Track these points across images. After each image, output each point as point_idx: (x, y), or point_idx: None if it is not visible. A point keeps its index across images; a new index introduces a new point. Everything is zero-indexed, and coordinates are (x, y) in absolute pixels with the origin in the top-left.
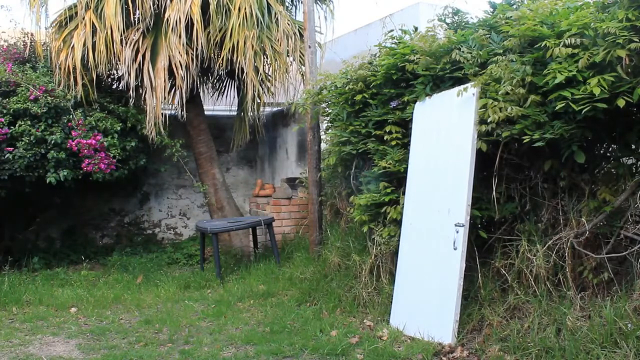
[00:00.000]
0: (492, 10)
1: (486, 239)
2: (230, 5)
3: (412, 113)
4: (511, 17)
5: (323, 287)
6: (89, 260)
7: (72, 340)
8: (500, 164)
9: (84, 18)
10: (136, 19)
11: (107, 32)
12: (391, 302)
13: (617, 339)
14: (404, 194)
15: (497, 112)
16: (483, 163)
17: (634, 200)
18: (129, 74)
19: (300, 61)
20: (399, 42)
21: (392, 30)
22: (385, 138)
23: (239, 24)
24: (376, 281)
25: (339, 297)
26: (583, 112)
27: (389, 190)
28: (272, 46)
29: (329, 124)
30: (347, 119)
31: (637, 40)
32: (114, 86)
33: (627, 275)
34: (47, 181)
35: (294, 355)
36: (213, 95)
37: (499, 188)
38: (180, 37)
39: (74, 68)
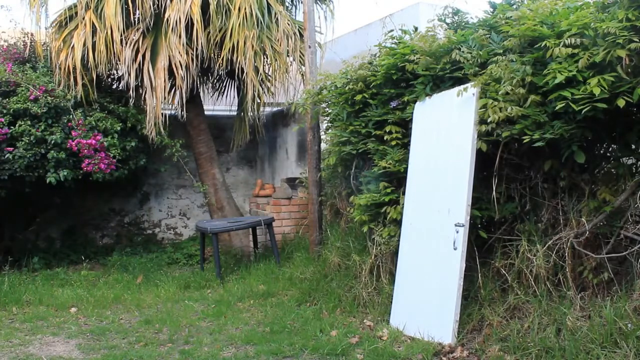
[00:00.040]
0: (492, 10)
1: (486, 239)
2: (230, 5)
3: (412, 113)
4: (511, 17)
5: (323, 287)
6: (89, 260)
7: (72, 340)
8: (500, 164)
9: (84, 18)
10: (136, 19)
11: (107, 32)
12: (391, 302)
13: (617, 339)
14: (404, 194)
15: (497, 112)
16: (483, 163)
17: (634, 200)
18: (129, 74)
19: (300, 61)
20: (399, 42)
21: (392, 30)
22: (385, 138)
23: (239, 24)
24: (376, 281)
25: (339, 297)
26: (583, 112)
27: (389, 190)
28: (272, 46)
29: (329, 124)
30: (347, 119)
31: (637, 40)
32: (114, 86)
33: (627, 275)
34: (47, 181)
35: (294, 355)
36: (213, 95)
37: (499, 188)
38: (180, 37)
39: (74, 68)
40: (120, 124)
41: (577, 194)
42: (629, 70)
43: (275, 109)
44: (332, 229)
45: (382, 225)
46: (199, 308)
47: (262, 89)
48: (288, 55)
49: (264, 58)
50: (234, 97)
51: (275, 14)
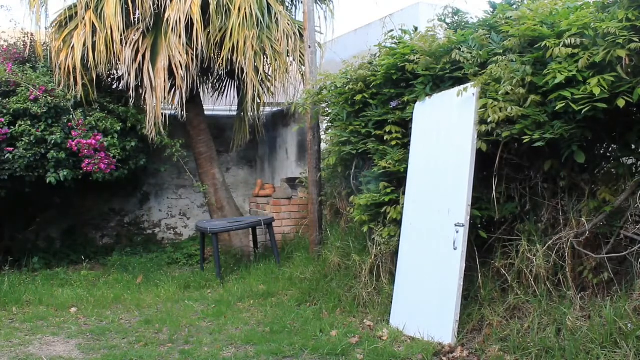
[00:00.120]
0: (492, 10)
1: (486, 239)
2: (230, 5)
3: (412, 113)
4: (511, 17)
5: (323, 287)
6: (89, 260)
7: (72, 340)
8: (500, 164)
9: (84, 18)
10: (136, 19)
11: (107, 32)
12: (391, 302)
13: (617, 339)
14: (404, 194)
15: (497, 112)
16: (483, 163)
17: (634, 200)
18: (129, 74)
19: (300, 61)
20: (399, 42)
21: (392, 30)
22: (385, 138)
23: (239, 24)
24: (376, 281)
25: (339, 297)
26: (583, 112)
27: (389, 190)
28: (272, 46)
29: (329, 124)
30: (347, 119)
31: (637, 40)
32: (114, 86)
33: (627, 275)
34: (47, 181)
35: (294, 355)
36: (213, 95)
37: (499, 188)
38: (180, 37)
39: (74, 68)
40: (120, 124)
41: (577, 194)
42: (629, 70)
43: (275, 109)
44: (332, 229)
45: (382, 225)
46: (199, 308)
47: (262, 89)
48: (288, 55)
49: (264, 58)
50: (234, 97)
51: (275, 14)
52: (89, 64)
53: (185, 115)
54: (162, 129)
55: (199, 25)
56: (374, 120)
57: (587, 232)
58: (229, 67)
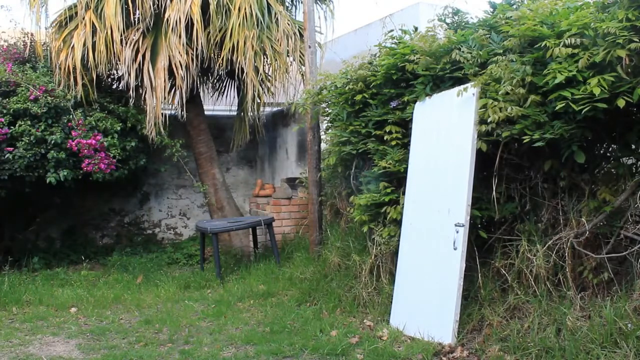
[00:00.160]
0: (492, 10)
1: (486, 239)
2: (230, 5)
3: (412, 113)
4: (511, 17)
5: (323, 287)
6: (89, 260)
7: (72, 340)
8: (500, 164)
9: (84, 18)
10: (136, 19)
11: (107, 32)
12: (391, 302)
13: (617, 339)
14: (404, 194)
15: (497, 112)
16: (483, 163)
17: (634, 200)
18: (129, 74)
19: (300, 61)
20: (399, 42)
21: (392, 30)
22: (385, 138)
23: (239, 24)
24: (376, 281)
25: (339, 297)
26: (583, 112)
27: (389, 190)
28: (272, 46)
29: (329, 124)
30: (347, 119)
31: (637, 40)
32: (114, 86)
33: (627, 275)
34: (47, 181)
35: (294, 355)
36: (213, 95)
37: (499, 188)
38: (180, 37)
39: (74, 68)
40: (120, 124)
41: (577, 194)
42: (629, 70)
43: (275, 109)
44: (332, 229)
45: (382, 225)
46: (199, 308)
47: (262, 89)
48: (288, 55)
49: (264, 58)
50: (234, 97)
51: (275, 14)
52: (89, 64)
53: (185, 115)
54: (162, 129)
55: (199, 25)
56: (374, 120)
57: (587, 232)
58: (229, 67)
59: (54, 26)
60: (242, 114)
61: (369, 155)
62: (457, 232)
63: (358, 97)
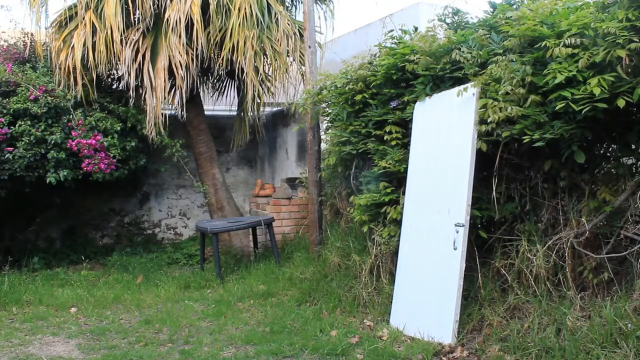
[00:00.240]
0: (492, 10)
1: (486, 239)
2: (230, 5)
3: (412, 113)
4: (511, 17)
5: (323, 287)
6: (89, 260)
7: (72, 340)
8: (500, 164)
9: (84, 18)
10: (136, 19)
11: (107, 32)
12: (391, 302)
13: (617, 339)
14: (404, 194)
15: (497, 112)
16: (483, 163)
17: (634, 200)
18: (129, 74)
19: (300, 61)
20: (399, 42)
21: (392, 30)
22: (385, 138)
23: (239, 24)
24: (376, 281)
25: (339, 297)
26: (583, 112)
27: (389, 190)
28: (272, 46)
29: (329, 124)
30: (347, 119)
31: (637, 40)
32: (114, 86)
33: (627, 275)
34: (47, 181)
35: (294, 355)
36: (213, 95)
37: (499, 188)
38: (180, 37)
39: (74, 68)
40: (120, 124)
41: (577, 194)
42: (629, 70)
43: (275, 109)
44: (332, 229)
45: (382, 225)
46: (199, 308)
47: (262, 89)
48: (288, 55)
49: (264, 58)
50: (234, 97)
51: (275, 14)
52: (89, 64)
53: (185, 115)
54: (162, 129)
55: (199, 25)
56: (374, 120)
57: (587, 232)
58: (229, 67)
59: (54, 26)
60: (242, 114)
61: (369, 155)
62: (457, 232)
63: (358, 97)
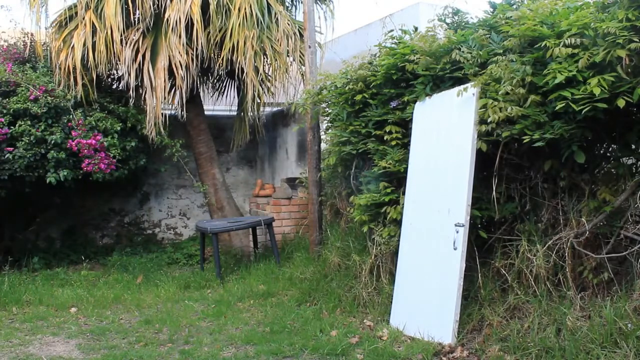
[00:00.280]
0: (492, 10)
1: (486, 239)
2: (230, 5)
3: (412, 113)
4: (511, 17)
5: (323, 287)
6: (89, 260)
7: (72, 340)
8: (500, 164)
9: (84, 18)
10: (136, 19)
11: (107, 32)
12: (391, 302)
13: (617, 339)
14: (404, 194)
15: (497, 112)
16: (483, 163)
17: (634, 200)
18: (129, 74)
19: (300, 61)
20: (399, 42)
21: (392, 30)
22: (385, 138)
23: (239, 24)
24: (376, 281)
25: (339, 297)
26: (583, 112)
27: (389, 190)
28: (272, 46)
29: (329, 124)
30: (347, 119)
31: (637, 40)
32: (114, 86)
33: (627, 275)
34: (47, 181)
35: (294, 355)
36: (213, 95)
37: (499, 188)
38: (180, 37)
39: (74, 68)
40: (120, 124)
41: (577, 194)
42: (629, 70)
43: (275, 109)
44: (332, 229)
45: (382, 225)
46: (199, 308)
47: (262, 89)
48: (288, 55)
49: (264, 58)
50: (234, 97)
51: (275, 14)
52: (89, 64)
53: (185, 115)
54: (162, 129)
55: (199, 25)
56: (374, 120)
57: (587, 232)
58: (229, 67)
59: (54, 26)
60: (242, 114)
61: (369, 155)
62: (457, 232)
63: (358, 97)
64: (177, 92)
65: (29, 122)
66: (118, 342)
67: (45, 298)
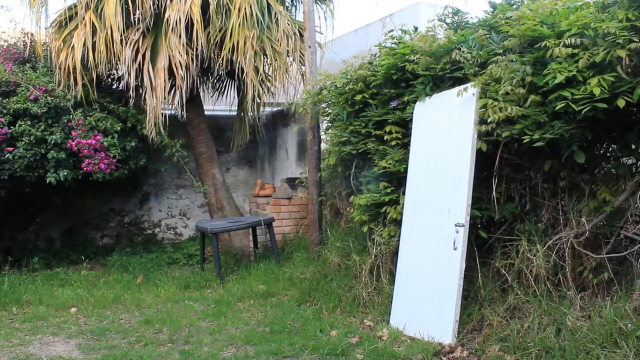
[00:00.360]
0: (492, 10)
1: (486, 239)
2: (230, 5)
3: (412, 113)
4: (511, 17)
5: (323, 287)
6: (89, 260)
7: (72, 340)
8: (500, 164)
9: (84, 18)
10: (136, 19)
11: (107, 32)
12: (391, 302)
13: (617, 339)
14: (404, 194)
15: (497, 112)
16: (483, 163)
17: (634, 200)
18: (129, 74)
19: (300, 61)
20: (399, 42)
21: (392, 30)
22: (385, 138)
23: (239, 24)
24: (376, 281)
25: (339, 297)
26: (583, 112)
27: (389, 190)
28: (272, 46)
29: (329, 124)
30: (347, 119)
31: (637, 40)
32: (114, 86)
33: (627, 275)
34: (47, 181)
35: (294, 355)
36: (213, 95)
37: (499, 188)
38: (180, 37)
39: (74, 68)
40: (120, 124)
41: (577, 194)
42: (629, 70)
43: (275, 109)
44: (332, 229)
45: (382, 225)
46: (199, 308)
47: (262, 89)
48: (288, 55)
49: (264, 58)
50: (234, 97)
51: (275, 14)
52: (89, 64)
53: (185, 115)
54: (162, 129)
55: (199, 25)
56: (374, 120)
57: (587, 232)
58: (229, 67)
59: (54, 26)
60: (242, 114)
61: (369, 155)
62: (457, 232)
63: (358, 97)
64: (177, 92)
65: (29, 122)
66: (118, 342)
67: (45, 298)
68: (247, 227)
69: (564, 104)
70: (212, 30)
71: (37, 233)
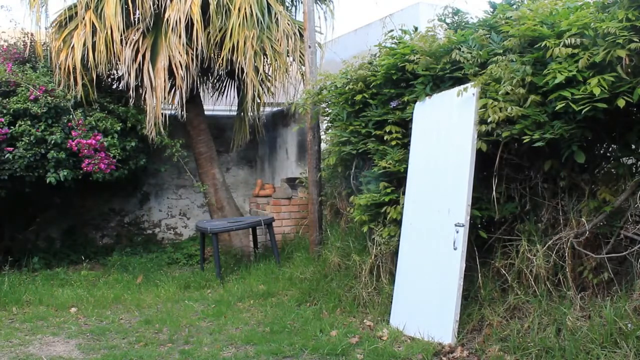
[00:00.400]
0: (492, 10)
1: (486, 239)
2: (230, 5)
3: (412, 113)
4: (511, 17)
5: (323, 287)
6: (89, 260)
7: (72, 340)
8: (500, 164)
9: (84, 18)
10: (136, 19)
11: (107, 32)
12: (391, 302)
13: (617, 339)
14: (404, 194)
15: (497, 112)
16: (483, 163)
17: (634, 200)
18: (129, 74)
19: (300, 61)
20: (399, 42)
21: (392, 30)
22: (385, 138)
23: (239, 24)
24: (376, 281)
25: (339, 297)
26: (583, 112)
27: (389, 190)
28: (272, 46)
29: (329, 124)
30: (347, 119)
31: (637, 40)
32: (114, 86)
33: (627, 275)
34: (47, 181)
35: (294, 355)
36: (213, 95)
37: (499, 188)
38: (180, 37)
39: (74, 68)
40: (120, 124)
41: (577, 194)
42: (629, 70)
43: (275, 109)
44: (332, 229)
45: (382, 225)
46: (199, 308)
47: (262, 89)
48: (288, 55)
49: (264, 58)
50: (234, 97)
51: (275, 14)
52: (89, 64)
53: (185, 115)
54: (162, 129)
55: (199, 25)
56: (374, 120)
57: (587, 232)
58: (229, 67)
59: (54, 26)
60: (242, 114)
61: (369, 155)
62: (457, 232)
63: (358, 97)
64: (177, 92)
65: (29, 122)
66: (118, 342)
67: (45, 298)
68: (247, 227)
69: (564, 104)
70: (212, 30)
71: (37, 233)
